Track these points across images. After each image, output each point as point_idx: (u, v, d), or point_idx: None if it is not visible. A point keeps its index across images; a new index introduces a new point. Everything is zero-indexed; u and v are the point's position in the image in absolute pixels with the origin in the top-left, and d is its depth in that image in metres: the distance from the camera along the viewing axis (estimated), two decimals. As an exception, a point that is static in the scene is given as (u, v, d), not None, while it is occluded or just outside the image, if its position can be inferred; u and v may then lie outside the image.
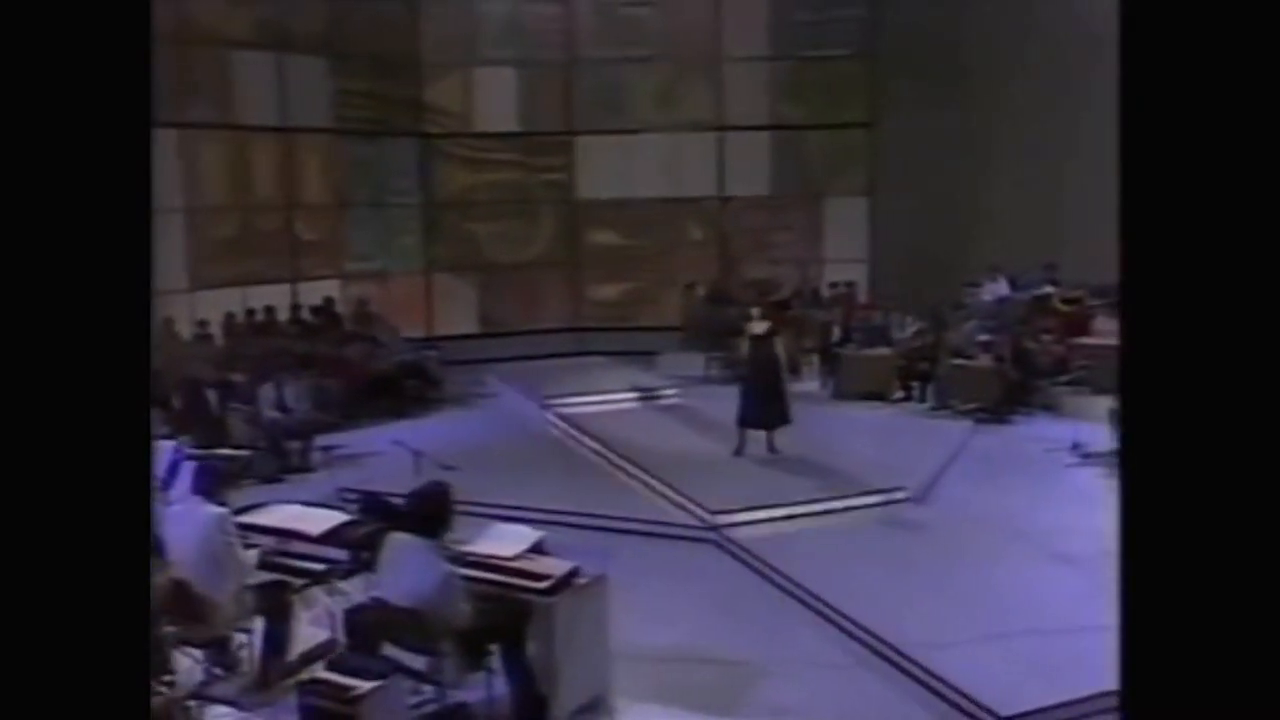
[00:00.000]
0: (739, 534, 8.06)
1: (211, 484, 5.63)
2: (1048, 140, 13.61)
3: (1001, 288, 13.59)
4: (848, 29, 16.06)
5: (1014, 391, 11.85)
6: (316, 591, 5.80)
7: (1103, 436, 9.43)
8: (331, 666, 4.83)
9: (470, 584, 5.13)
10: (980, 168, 14.56)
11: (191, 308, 12.90)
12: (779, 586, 7.23)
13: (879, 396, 12.44)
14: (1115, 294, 10.16)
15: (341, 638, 5.35)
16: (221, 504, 5.57)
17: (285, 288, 14.32)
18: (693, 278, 15.75)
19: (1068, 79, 13.18)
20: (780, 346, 10.00)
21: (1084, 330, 12.36)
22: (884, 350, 12.90)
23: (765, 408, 9.72)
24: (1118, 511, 2.33)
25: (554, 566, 5.38)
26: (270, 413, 10.33)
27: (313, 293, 14.43)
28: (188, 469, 6.09)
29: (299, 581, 5.69)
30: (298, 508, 6.23)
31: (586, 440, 10.87)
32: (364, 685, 4.57)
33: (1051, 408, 11.87)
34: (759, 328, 9.87)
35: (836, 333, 13.77)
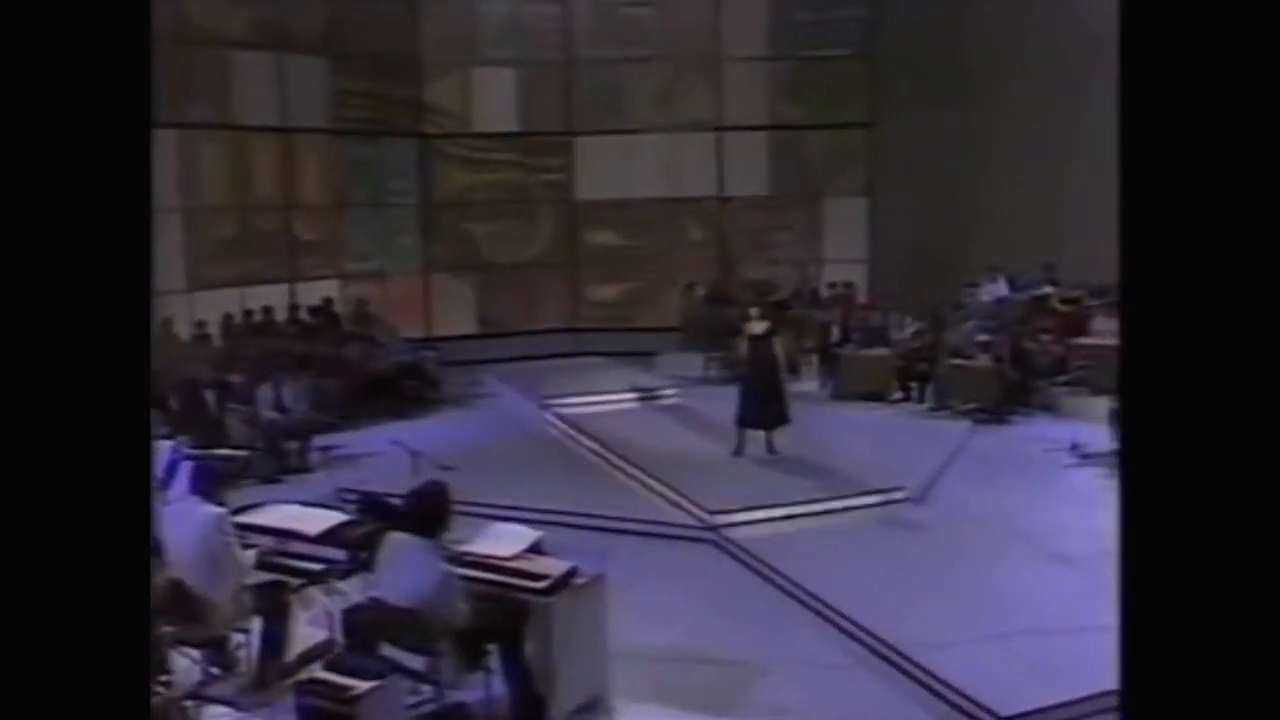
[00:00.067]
0: (738, 534, 8.05)
1: (210, 484, 5.63)
2: (1048, 140, 13.61)
3: (1001, 288, 13.59)
4: (847, 29, 16.04)
5: (1013, 392, 11.84)
6: (314, 591, 5.80)
7: (1102, 437, 9.44)
8: (329, 666, 4.83)
9: (468, 584, 5.13)
10: (980, 168, 14.55)
11: (190, 308, 12.87)
12: (778, 586, 7.22)
13: (878, 397, 12.43)
14: (1114, 294, 10.24)
15: (339, 638, 5.34)
16: (219, 504, 5.56)
17: (284, 288, 14.31)
18: (692, 278, 15.74)
19: (1068, 79, 13.18)
20: (779, 347, 10.01)
21: (1083, 330, 12.37)
22: (883, 350, 12.90)
23: (764, 408, 9.72)
24: (1117, 511, 2.32)
25: (552, 566, 5.38)
26: (268, 413, 10.33)
27: (311, 293, 14.42)
28: (186, 469, 6.08)
29: (297, 581, 5.68)
30: (296, 508, 6.22)
31: (585, 440, 10.87)
32: (362, 685, 4.57)
33: (1050, 408, 11.87)
34: (758, 328, 9.87)
35: (835, 333, 13.76)
